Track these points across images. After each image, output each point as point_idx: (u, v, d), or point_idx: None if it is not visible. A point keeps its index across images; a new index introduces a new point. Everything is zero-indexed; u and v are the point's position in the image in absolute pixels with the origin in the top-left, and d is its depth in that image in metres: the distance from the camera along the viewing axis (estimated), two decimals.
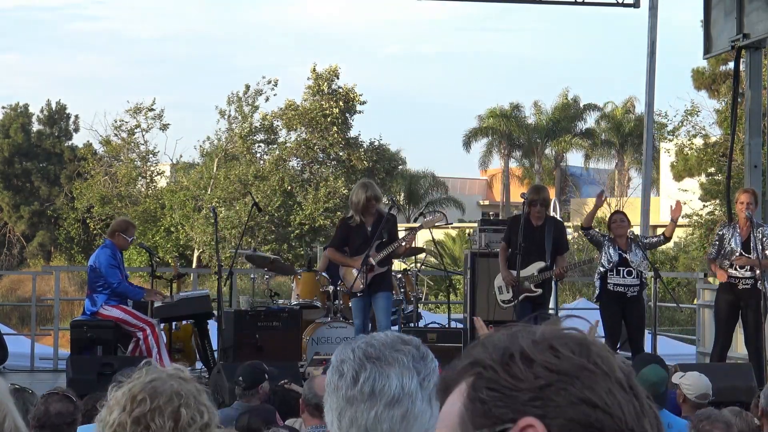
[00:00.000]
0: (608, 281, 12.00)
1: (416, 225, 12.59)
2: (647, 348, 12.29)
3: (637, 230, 13.55)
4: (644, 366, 6.54)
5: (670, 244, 38.44)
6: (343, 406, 2.27)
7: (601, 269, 12.11)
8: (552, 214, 13.21)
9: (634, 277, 11.96)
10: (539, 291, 12.10)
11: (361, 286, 11.38)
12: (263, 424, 6.65)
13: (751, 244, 11.66)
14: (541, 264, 12.11)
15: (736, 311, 11.92)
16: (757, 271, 11.64)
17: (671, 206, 12.47)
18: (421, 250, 14.61)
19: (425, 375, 2.31)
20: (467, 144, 53.82)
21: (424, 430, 2.29)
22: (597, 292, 12.23)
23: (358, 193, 11.49)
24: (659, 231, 13.81)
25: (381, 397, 2.27)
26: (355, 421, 2.26)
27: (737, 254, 11.77)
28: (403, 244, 11.65)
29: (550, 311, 14.03)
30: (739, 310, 11.89)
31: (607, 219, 12.75)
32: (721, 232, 12.11)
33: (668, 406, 7.23)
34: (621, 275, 11.96)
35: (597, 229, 12.66)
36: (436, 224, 12.22)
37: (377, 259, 11.38)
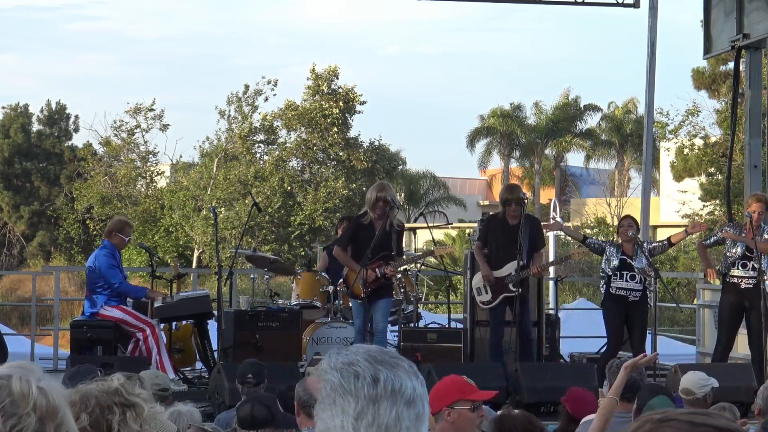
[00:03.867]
0: (611, 284, 12.00)
1: (421, 223, 12.80)
2: (648, 348, 12.29)
3: None
4: (651, 396, 6.53)
5: None
6: (364, 405, 2.27)
7: (603, 274, 12.14)
8: (552, 214, 13.22)
9: (636, 282, 11.95)
10: (518, 290, 12.00)
11: (362, 294, 11.62)
12: (267, 412, 6.59)
13: (755, 251, 11.69)
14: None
15: (739, 312, 11.92)
16: (760, 270, 11.65)
17: (691, 220, 12.63)
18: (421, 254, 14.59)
19: (422, 380, 2.33)
20: (471, 144, 53.86)
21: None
22: (603, 296, 12.23)
23: (371, 192, 11.82)
24: (659, 231, 13.85)
25: (401, 396, 2.29)
26: (377, 418, 2.26)
27: (739, 255, 11.78)
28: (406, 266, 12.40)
29: (550, 311, 14.03)
30: (743, 312, 11.89)
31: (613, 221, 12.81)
32: (725, 230, 12.15)
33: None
34: (624, 279, 11.95)
35: (593, 237, 12.72)
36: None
37: (383, 270, 11.61)
